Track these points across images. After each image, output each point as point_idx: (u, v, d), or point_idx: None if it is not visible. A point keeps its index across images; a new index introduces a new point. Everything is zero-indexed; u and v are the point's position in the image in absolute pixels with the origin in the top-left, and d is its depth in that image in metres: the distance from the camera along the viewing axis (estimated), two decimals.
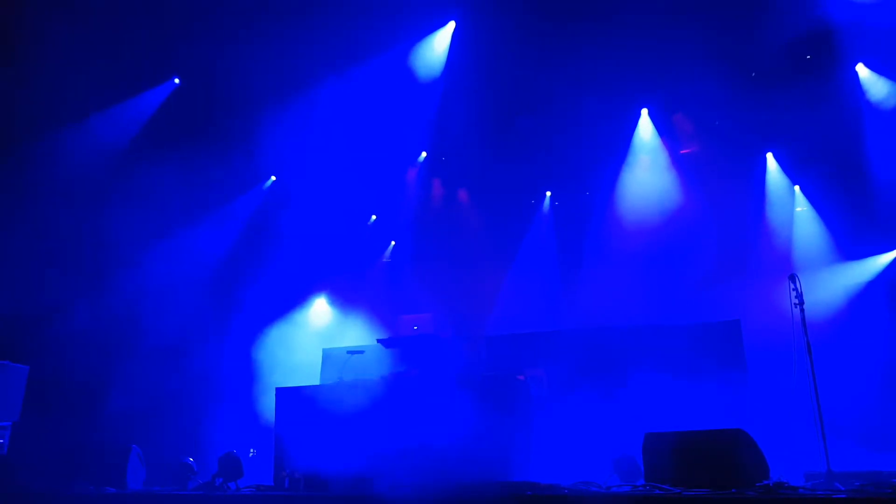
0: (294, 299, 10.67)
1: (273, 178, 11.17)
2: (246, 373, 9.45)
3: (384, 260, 12.34)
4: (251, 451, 8.53)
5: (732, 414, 6.83)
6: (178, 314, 9.19)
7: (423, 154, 11.30)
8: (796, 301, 6.01)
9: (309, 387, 7.59)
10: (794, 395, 6.09)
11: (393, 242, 12.36)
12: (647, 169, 10.56)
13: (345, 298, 10.95)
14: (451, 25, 9.32)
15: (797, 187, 10.39)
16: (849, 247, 9.63)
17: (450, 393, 6.62)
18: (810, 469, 5.73)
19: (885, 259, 9.52)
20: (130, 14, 8.17)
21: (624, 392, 7.55)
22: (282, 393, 7.50)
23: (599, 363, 7.96)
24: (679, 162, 10.54)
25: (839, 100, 9.14)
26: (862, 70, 9.09)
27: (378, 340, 7.88)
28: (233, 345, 9.66)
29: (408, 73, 9.55)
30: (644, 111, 10.46)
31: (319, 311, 11.14)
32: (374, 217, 12.12)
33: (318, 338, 10.00)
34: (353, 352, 7.78)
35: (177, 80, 9.62)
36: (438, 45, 9.43)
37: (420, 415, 6.61)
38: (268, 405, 7.98)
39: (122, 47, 8.34)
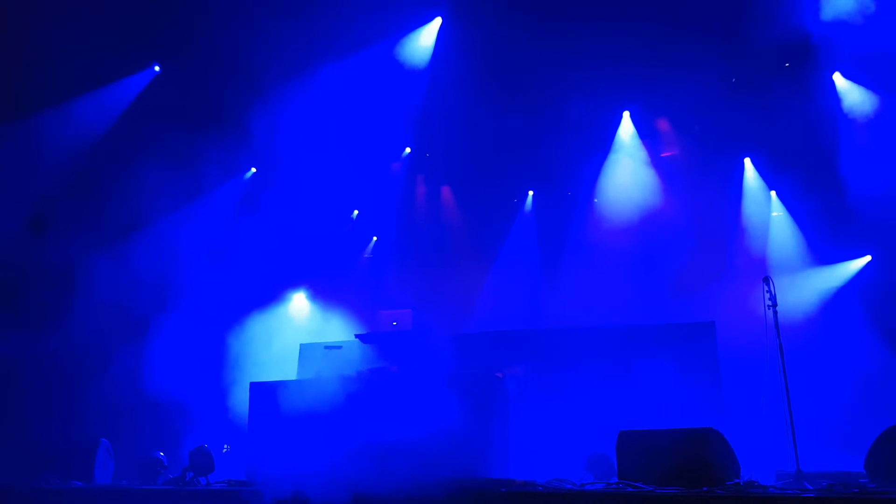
0: (273, 293, 10.57)
1: (253, 169, 11.07)
2: (222, 367, 9.35)
3: (365, 255, 12.29)
4: (225, 446, 8.43)
5: (705, 413, 6.91)
6: (154, 306, 9.09)
7: (408, 150, 11.27)
8: (770, 303, 6.09)
9: (284, 382, 7.52)
10: (766, 396, 6.17)
11: (375, 238, 12.31)
12: (628, 171, 10.64)
13: (325, 293, 10.87)
14: (438, 22, 9.30)
15: (773, 192, 10.53)
16: (823, 251, 9.79)
17: (427, 390, 6.60)
18: (781, 468, 5.82)
19: (857, 264, 9.69)
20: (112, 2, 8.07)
21: (599, 390, 7.60)
22: (256, 388, 7.42)
23: (576, 362, 8.00)
24: (659, 165, 10.63)
25: (816, 108, 9.28)
26: (838, 79, 9.23)
27: (356, 336, 7.83)
28: (210, 338, 9.55)
29: (393, 69, 9.51)
30: (626, 114, 10.53)
31: (298, 305, 11.06)
32: (356, 212, 12.06)
33: (296, 332, 9.92)
34: (330, 347, 7.73)
35: (157, 68, 9.50)
36: (424, 41, 9.41)
37: (397, 411, 6.58)
38: (243, 400, 7.89)
39: (104, 33, 8.22)
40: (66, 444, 7.13)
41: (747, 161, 10.61)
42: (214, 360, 9.41)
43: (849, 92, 9.14)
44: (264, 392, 7.32)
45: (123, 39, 8.53)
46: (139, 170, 8.79)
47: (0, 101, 8.05)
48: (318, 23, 8.63)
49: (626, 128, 10.60)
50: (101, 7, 7.94)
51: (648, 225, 10.26)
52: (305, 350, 8.87)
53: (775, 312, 6.07)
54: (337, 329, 9.45)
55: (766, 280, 6.18)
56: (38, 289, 8.27)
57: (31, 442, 7.20)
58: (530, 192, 11.72)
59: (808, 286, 9.48)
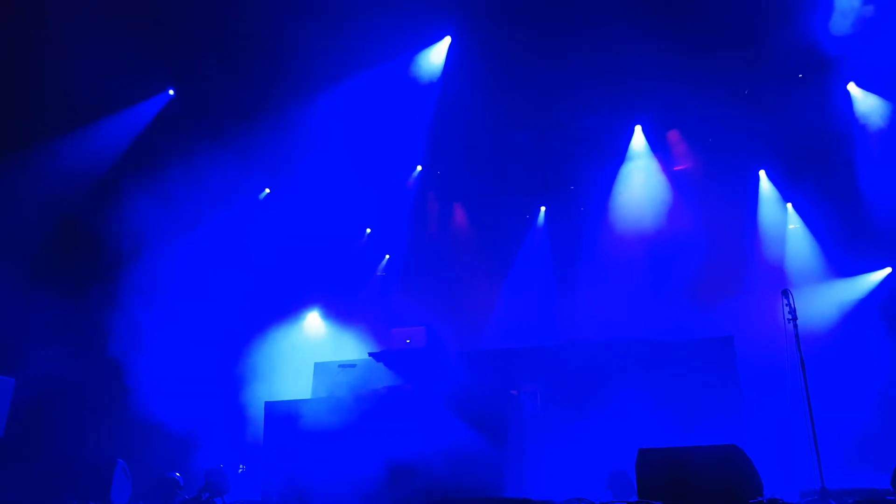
0: (287, 312, 10.58)
1: (267, 190, 11.14)
2: (238, 386, 9.34)
3: (378, 273, 12.29)
4: (241, 466, 8.40)
5: (727, 429, 6.80)
6: (169, 327, 9.11)
7: (419, 168, 11.30)
8: (790, 316, 6.00)
9: (298, 401, 7.50)
10: (787, 411, 6.06)
11: (388, 256, 12.31)
12: (642, 185, 10.60)
13: (339, 312, 10.87)
14: (447, 41, 9.36)
15: (790, 204, 10.43)
16: (841, 264, 9.66)
17: (442, 408, 6.54)
18: (805, 486, 5.70)
19: (877, 276, 9.55)
20: (125, 25, 8.18)
21: (617, 407, 7.50)
22: (271, 407, 7.40)
23: (593, 378, 7.92)
24: (673, 178, 10.58)
25: (831, 118, 9.21)
26: (853, 89, 9.16)
27: (370, 354, 7.80)
28: (226, 358, 9.56)
29: (404, 87, 9.57)
30: (638, 127, 10.50)
31: (312, 324, 11.06)
32: (368, 230, 12.09)
33: (310, 351, 9.92)
34: (344, 366, 7.69)
35: (171, 91, 9.62)
36: (434, 59, 9.47)
37: (412, 430, 6.52)
38: (259, 419, 7.87)
39: (118, 58, 8.34)
40: (83, 464, 7.12)
41: (762, 173, 10.53)
42: (230, 379, 9.41)
43: (864, 102, 9.07)
44: (279, 411, 7.29)
45: (139, 64, 8.65)
46: (154, 190, 8.87)
47: (16, 126, 8.18)
48: (329, 43, 8.71)
49: (639, 141, 10.57)
50: (115, 34, 8.07)
51: (663, 239, 10.20)
52: (320, 368, 8.85)
53: (795, 325, 5.97)
54: (351, 347, 9.44)
55: (786, 293, 6.09)
56: (53, 308, 8.32)
57: (49, 462, 7.20)
58: (542, 208, 11.69)
59: (826, 299, 9.35)
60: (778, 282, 9.24)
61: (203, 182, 9.41)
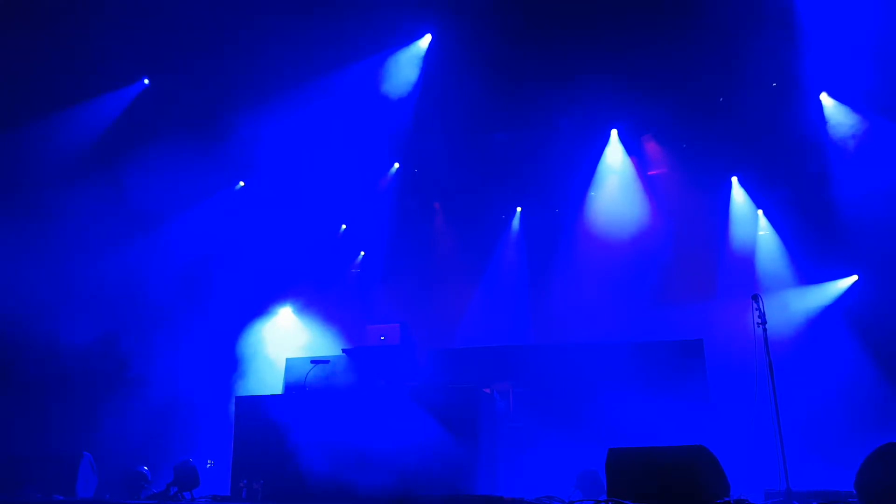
0: (260, 307, 10.49)
1: (242, 183, 11.01)
2: (208, 381, 9.24)
3: (353, 270, 12.24)
4: (209, 462, 8.31)
5: (694, 430, 6.91)
6: (140, 318, 8.98)
7: (396, 165, 11.28)
8: (759, 320, 6.11)
9: (269, 396, 7.45)
10: (754, 413, 6.18)
11: (363, 252, 12.27)
12: (616, 188, 10.70)
13: (312, 307, 10.81)
14: (428, 38, 9.35)
15: (760, 211, 10.62)
16: (809, 271, 9.87)
17: (415, 405, 6.55)
18: (770, 487, 5.81)
19: (843, 284, 9.77)
20: (102, 13, 8.05)
21: (588, 407, 7.58)
22: (242, 402, 7.33)
23: (565, 378, 7.99)
24: (647, 182, 10.70)
25: (803, 127, 9.40)
26: (825, 99, 9.36)
27: (343, 350, 7.78)
28: (196, 352, 9.45)
29: (383, 84, 9.54)
30: (614, 132, 10.60)
31: (285, 319, 10.97)
32: (344, 226, 12.03)
33: (282, 346, 9.85)
34: (317, 361, 7.65)
35: (146, 81, 9.48)
36: (415, 57, 9.45)
37: (384, 426, 6.52)
38: (228, 414, 7.80)
39: (93, 46, 8.21)
40: (48, 457, 7.00)
41: (734, 179, 10.70)
42: (201, 375, 9.30)
43: (835, 112, 9.26)
44: (250, 406, 7.23)
45: (114, 53, 8.53)
46: (126, 182, 8.74)
47: None
48: (309, 37, 8.66)
49: (614, 146, 10.66)
50: (93, 20, 7.95)
51: (636, 242, 10.31)
52: (292, 364, 8.79)
53: (764, 329, 6.08)
54: (324, 343, 9.38)
55: (756, 297, 6.20)
56: (19, 301, 8.15)
57: (13, 456, 7.06)
58: (518, 209, 11.75)
59: (794, 305, 9.55)
60: (747, 287, 9.40)
61: (176, 174, 9.29)
